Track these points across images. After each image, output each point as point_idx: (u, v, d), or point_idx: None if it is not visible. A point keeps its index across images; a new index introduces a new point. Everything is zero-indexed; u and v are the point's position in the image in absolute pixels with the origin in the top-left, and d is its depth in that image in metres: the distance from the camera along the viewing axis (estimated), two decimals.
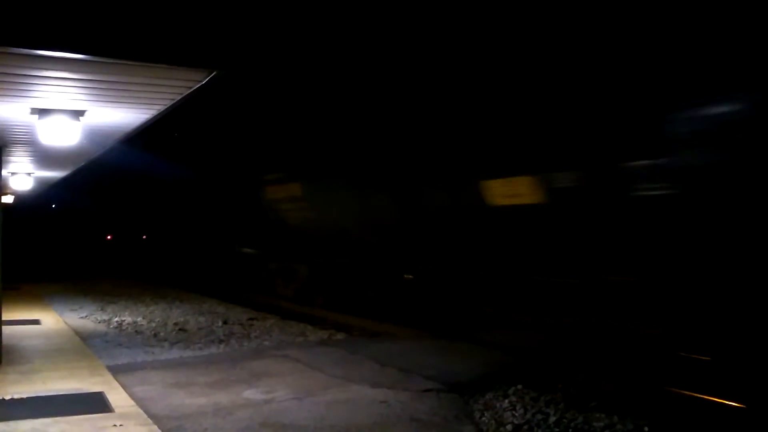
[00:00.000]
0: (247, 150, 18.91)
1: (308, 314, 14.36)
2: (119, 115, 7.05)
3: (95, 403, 6.41)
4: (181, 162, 23.22)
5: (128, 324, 12.50)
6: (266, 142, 17.79)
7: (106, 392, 6.82)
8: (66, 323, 12.00)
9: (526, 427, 6.37)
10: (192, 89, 5.94)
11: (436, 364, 8.63)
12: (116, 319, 13.14)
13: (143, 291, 18.87)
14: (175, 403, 6.78)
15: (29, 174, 12.58)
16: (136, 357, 9.36)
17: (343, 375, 7.99)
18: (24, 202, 20.64)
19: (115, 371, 7.96)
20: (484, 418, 6.61)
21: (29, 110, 6.61)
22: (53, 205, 35.10)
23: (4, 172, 10.26)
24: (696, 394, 7.34)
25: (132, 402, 6.53)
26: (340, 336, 11.33)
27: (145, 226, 34.63)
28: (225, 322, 12.68)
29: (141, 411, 6.22)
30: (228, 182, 20.21)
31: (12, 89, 5.88)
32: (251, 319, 13.16)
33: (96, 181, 26.20)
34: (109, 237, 38.34)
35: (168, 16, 4.95)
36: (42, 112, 6.55)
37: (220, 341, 10.72)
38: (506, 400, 7.11)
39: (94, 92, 6.04)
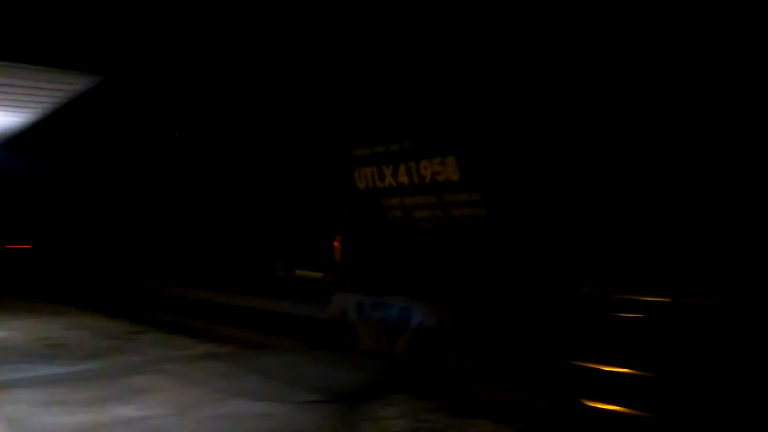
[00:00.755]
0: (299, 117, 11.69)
1: (192, 327, 14.02)
2: None
3: None
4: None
5: None
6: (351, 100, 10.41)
7: None
8: None
9: None
10: (77, 92, 5.79)
11: (322, 375, 8.68)
12: None
13: (16, 304, 17.81)
14: (48, 422, 6.48)
15: None
16: (4, 374, 8.83)
17: (225, 389, 7.89)
18: None
19: None
20: (368, 429, 6.72)
21: None
22: None
23: None
24: (588, 402, 7.66)
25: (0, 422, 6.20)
26: (224, 349, 11.13)
27: (30, 234, 32.60)
28: (104, 336, 12.19)
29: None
30: (258, 168, 13.47)
31: None
32: (132, 332, 12.71)
33: None
34: None
35: (56, 19, 4.83)
36: None
37: (98, 356, 10.30)
38: (391, 409, 7.26)
39: None
